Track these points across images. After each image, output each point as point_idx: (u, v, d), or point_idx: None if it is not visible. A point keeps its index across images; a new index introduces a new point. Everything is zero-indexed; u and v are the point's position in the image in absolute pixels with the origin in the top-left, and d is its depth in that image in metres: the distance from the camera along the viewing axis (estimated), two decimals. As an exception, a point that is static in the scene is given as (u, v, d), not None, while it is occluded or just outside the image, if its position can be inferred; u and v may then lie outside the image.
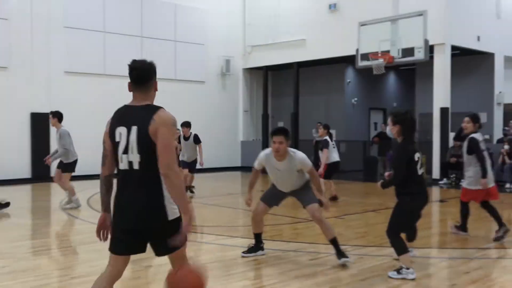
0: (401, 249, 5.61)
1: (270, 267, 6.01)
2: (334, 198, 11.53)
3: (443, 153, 15.43)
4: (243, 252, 6.49)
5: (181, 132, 12.15)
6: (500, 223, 7.53)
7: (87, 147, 14.43)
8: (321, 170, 11.15)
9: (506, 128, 16.63)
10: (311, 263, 6.18)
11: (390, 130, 5.81)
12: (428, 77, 16.75)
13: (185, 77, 19.47)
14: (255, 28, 20.78)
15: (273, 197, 6.51)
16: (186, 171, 11.84)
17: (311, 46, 18.81)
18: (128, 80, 3.59)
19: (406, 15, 13.86)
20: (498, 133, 17.10)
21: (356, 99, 20.76)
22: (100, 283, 3.66)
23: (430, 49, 14.11)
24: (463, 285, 5.35)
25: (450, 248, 7.21)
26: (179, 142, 12.04)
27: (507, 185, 14.08)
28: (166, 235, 3.47)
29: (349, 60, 17.71)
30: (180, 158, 11.83)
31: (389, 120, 5.85)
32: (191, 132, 12.35)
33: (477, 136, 7.54)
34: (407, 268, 5.53)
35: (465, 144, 7.60)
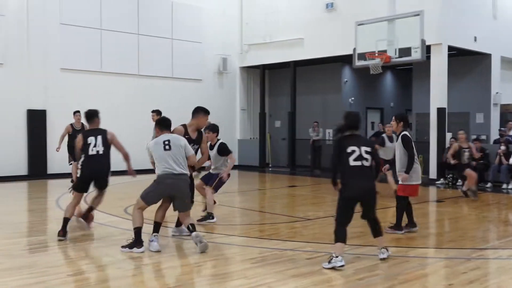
0: (337, 238, 5.94)
1: (267, 266, 6.00)
2: None
3: (439, 153, 15.43)
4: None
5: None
6: (411, 221, 8.04)
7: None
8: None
9: (503, 128, 16.65)
10: (308, 262, 6.17)
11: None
12: (425, 77, 16.76)
13: (182, 75, 19.41)
14: (252, 27, 20.75)
15: None
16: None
17: (308, 45, 18.80)
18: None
19: (403, 15, 13.87)
20: (494, 134, 17.13)
21: (353, 98, 20.76)
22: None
23: (427, 49, 14.11)
24: (460, 285, 5.34)
25: (447, 248, 7.20)
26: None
27: (504, 186, 14.10)
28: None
29: (346, 59, 17.69)
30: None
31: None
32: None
33: (408, 133, 7.91)
34: (336, 256, 5.83)
35: (399, 141, 7.82)
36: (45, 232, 8.28)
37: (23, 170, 15.98)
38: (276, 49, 19.84)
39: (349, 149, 5.99)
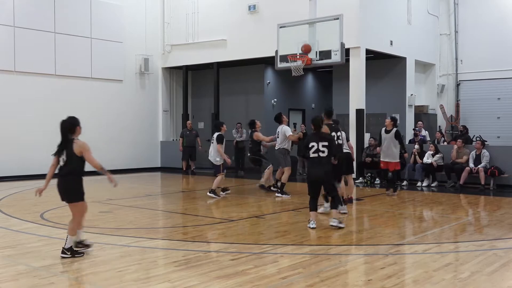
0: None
1: (191, 268, 5.95)
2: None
3: (359, 153, 15.92)
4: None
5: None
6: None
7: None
8: None
9: (417, 128, 17.41)
10: (233, 263, 6.17)
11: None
12: (344, 79, 17.25)
13: (102, 75, 18.87)
14: (175, 27, 20.56)
15: None
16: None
17: (231, 46, 18.86)
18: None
19: (323, 19, 14.17)
20: (410, 134, 17.89)
21: (275, 99, 21.03)
22: None
23: (346, 52, 14.52)
24: (378, 280, 5.53)
25: (366, 245, 7.44)
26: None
27: (418, 184, 14.75)
28: None
29: (268, 61, 17.90)
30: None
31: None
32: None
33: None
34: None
35: None
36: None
37: None
38: (199, 50, 19.76)
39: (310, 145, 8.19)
